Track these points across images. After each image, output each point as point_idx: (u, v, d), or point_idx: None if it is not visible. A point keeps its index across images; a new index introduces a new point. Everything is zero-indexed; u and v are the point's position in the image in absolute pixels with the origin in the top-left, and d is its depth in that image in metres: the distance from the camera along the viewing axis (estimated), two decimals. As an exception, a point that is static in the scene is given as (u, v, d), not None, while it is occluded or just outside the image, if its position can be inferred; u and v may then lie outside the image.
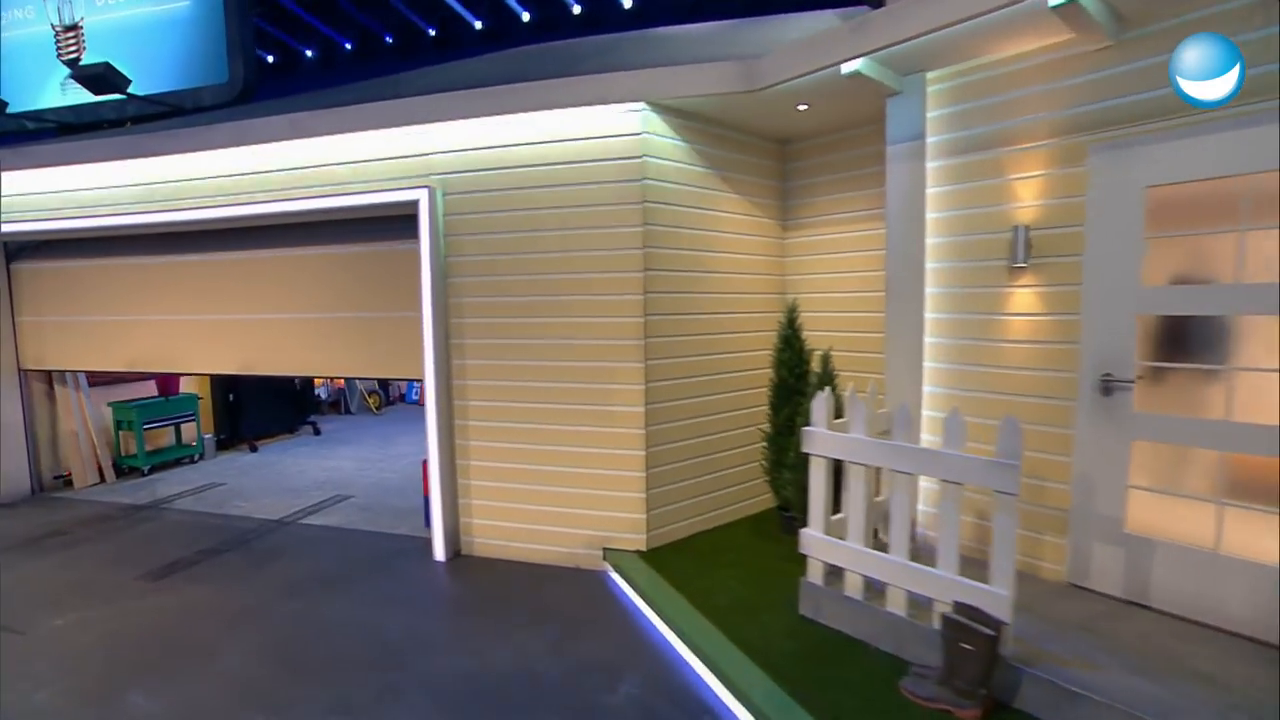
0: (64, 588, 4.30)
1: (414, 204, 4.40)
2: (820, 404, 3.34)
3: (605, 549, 4.33)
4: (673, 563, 4.12)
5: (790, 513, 4.43)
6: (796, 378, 4.32)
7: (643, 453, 4.22)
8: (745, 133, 4.62)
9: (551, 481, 4.39)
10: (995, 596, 2.66)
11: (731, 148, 4.54)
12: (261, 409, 8.31)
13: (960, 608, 2.71)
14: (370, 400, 10.48)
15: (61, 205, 5.56)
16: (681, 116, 4.23)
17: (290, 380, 8.78)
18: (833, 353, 4.25)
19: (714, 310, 4.55)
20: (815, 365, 4.29)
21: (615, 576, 4.21)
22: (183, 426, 7.56)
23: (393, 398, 11.18)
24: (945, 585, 2.83)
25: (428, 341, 4.47)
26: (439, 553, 4.59)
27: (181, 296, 5.57)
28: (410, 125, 4.43)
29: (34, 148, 5.54)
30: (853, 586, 3.24)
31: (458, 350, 4.53)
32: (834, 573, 3.33)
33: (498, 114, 4.25)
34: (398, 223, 4.67)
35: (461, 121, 4.35)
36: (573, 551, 4.40)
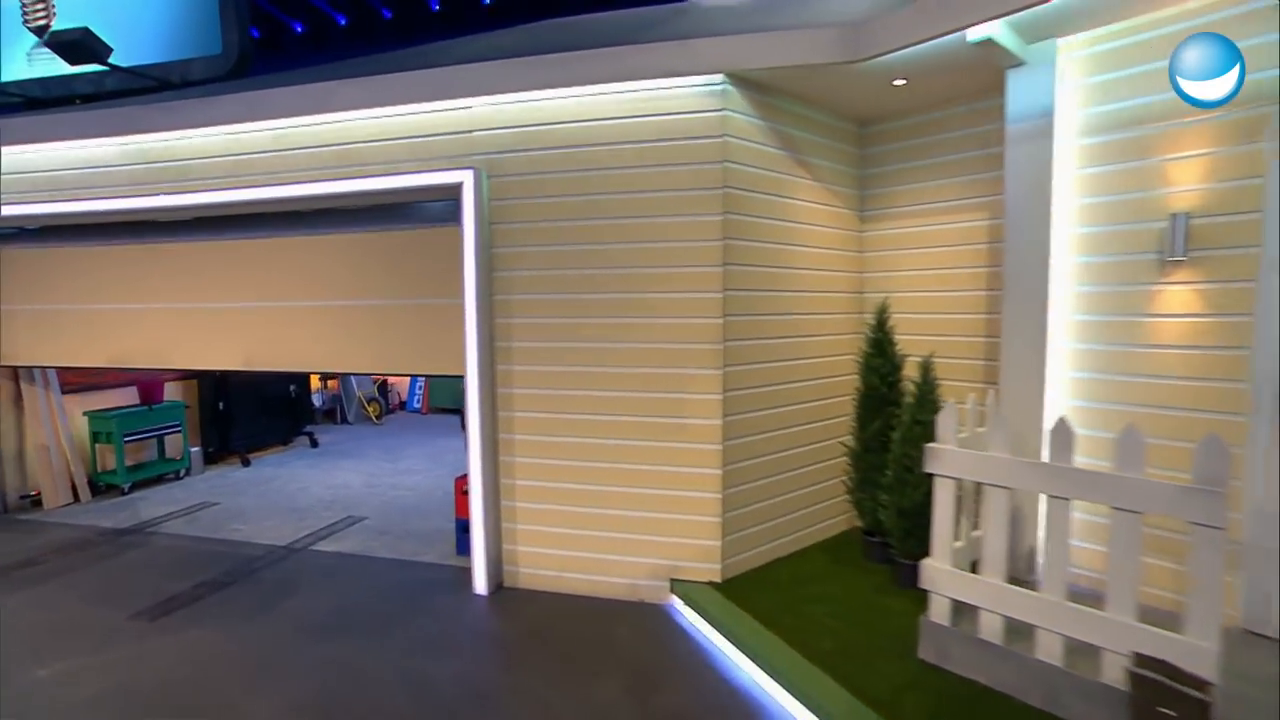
0: (45, 630, 3.86)
1: (457, 187, 4.04)
2: (948, 417, 3.01)
3: (672, 580, 3.99)
4: (753, 596, 3.77)
5: (878, 537, 4.10)
6: (888, 386, 4.00)
7: (719, 471, 3.88)
8: (825, 113, 4.31)
9: (610, 503, 4.04)
10: (1196, 650, 2.34)
11: (810, 129, 4.23)
12: (254, 419, 7.88)
13: (1149, 662, 2.39)
14: (370, 409, 10.06)
15: (37, 186, 5.10)
16: (762, 92, 3.91)
17: (285, 386, 8.36)
18: (919, 357, 3.93)
19: (792, 310, 4.23)
20: (908, 372, 3.98)
21: (686, 611, 3.87)
22: (166, 438, 7.09)
23: (392, 406, 10.75)
24: (1125, 633, 2.50)
25: (471, 345, 4.10)
26: (480, 585, 4.21)
27: (174, 283, 5.12)
28: (451, 99, 4.06)
29: (6, 121, 5.08)
30: (990, 629, 2.91)
31: (503, 354, 4.16)
32: (958, 610, 3.00)
33: (553, 86, 3.90)
34: (433, 208, 4.31)
35: (511, 96, 3.99)
36: (634, 583, 4.05)
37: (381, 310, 4.60)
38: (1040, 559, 3.27)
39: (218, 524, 5.62)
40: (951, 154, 4.15)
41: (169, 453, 7.13)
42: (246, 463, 7.54)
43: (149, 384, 6.99)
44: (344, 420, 10.01)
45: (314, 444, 8.47)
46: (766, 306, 4.07)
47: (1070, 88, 3.27)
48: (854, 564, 4.17)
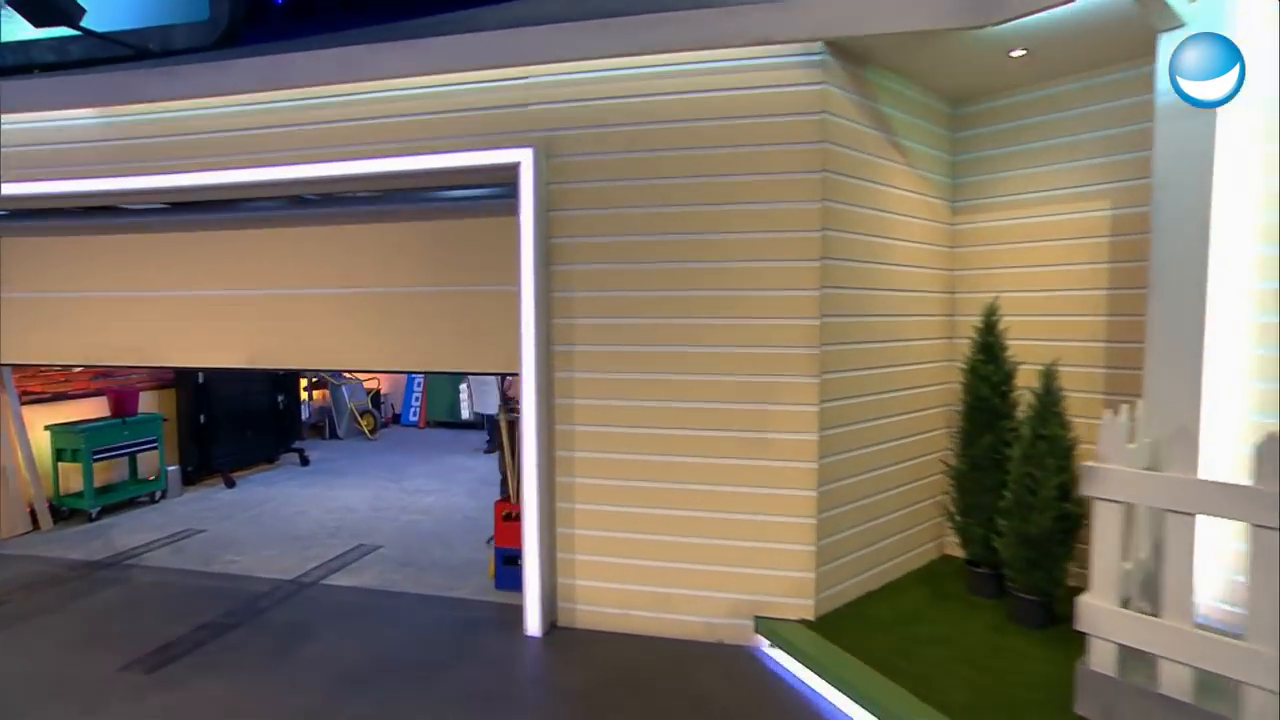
0: (21, 685, 3.39)
1: (513, 169, 3.69)
2: (1114, 432, 2.72)
3: (757, 617, 3.66)
4: (856, 636, 3.44)
5: (985, 568, 3.80)
6: (1000, 397, 3.71)
7: (813, 493, 3.56)
8: (920, 89, 4.04)
9: (684, 530, 3.72)
10: None
11: (905, 108, 3.95)
12: (238, 433, 7.41)
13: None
14: (363, 422, 9.60)
15: (8, 163, 4.63)
16: (859, 64, 3.62)
17: (272, 396, 7.91)
18: (1036, 365, 3.65)
19: (889, 312, 3.96)
20: (1021, 380, 3.70)
21: (776, 654, 3.53)
22: (139, 456, 6.57)
23: (384, 419, 10.30)
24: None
25: (527, 349, 3.75)
26: (533, 625, 3.83)
27: (164, 269, 4.67)
28: (506, 68, 3.72)
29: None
30: (1175, 683, 2.60)
31: (562, 360, 3.82)
32: (1124, 657, 2.70)
33: (623, 55, 3.58)
34: (476, 195, 4.01)
35: (574, 65, 3.67)
36: (711, 622, 3.71)
37: (418, 299, 4.23)
38: (1208, 596, 2.97)
39: (208, 554, 5.16)
40: (1064, 136, 3.89)
41: (142, 472, 6.62)
42: (231, 483, 7.07)
43: (122, 393, 6.49)
44: (333, 435, 9.56)
45: (304, 462, 8.02)
46: (866, 307, 3.78)
47: (1250, 51, 3.00)
48: (958, 598, 3.86)
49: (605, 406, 3.79)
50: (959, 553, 4.23)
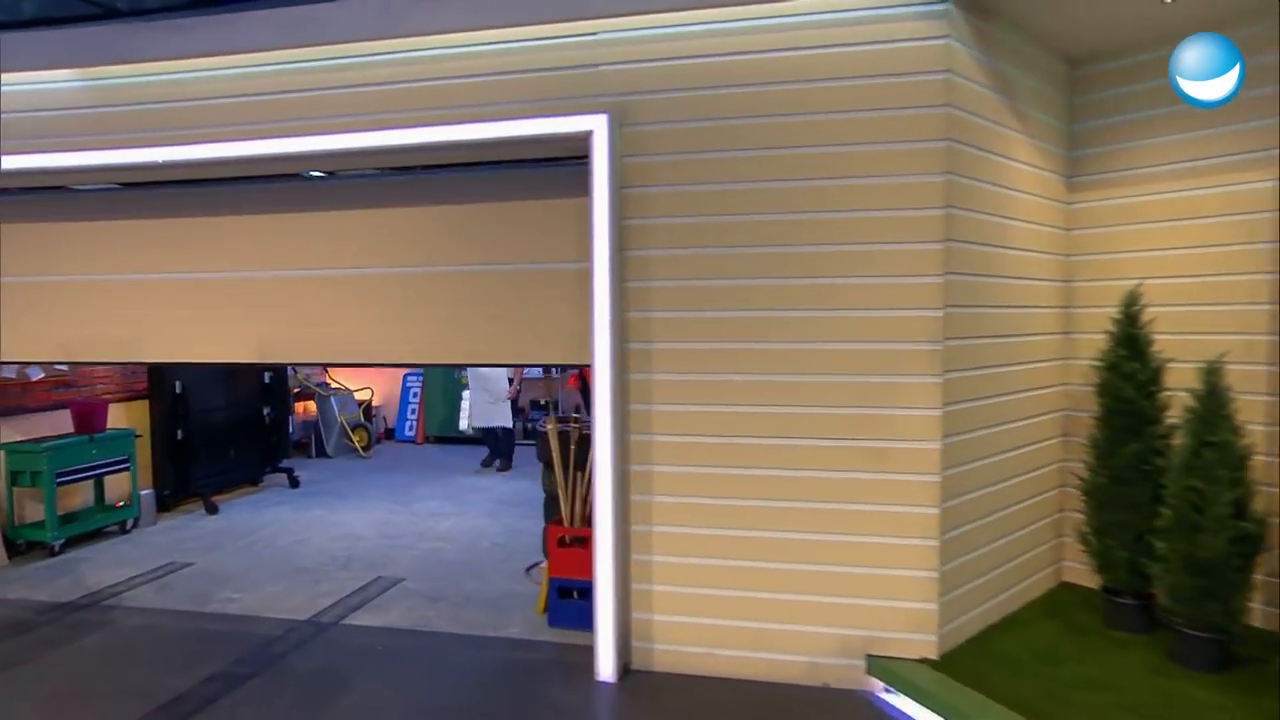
0: (11, 751, 3.21)
1: (583, 139, 3.58)
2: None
3: (869, 656, 3.55)
4: (991, 678, 3.33)
5: (1130, 597, 3.70)
6: (1147, 398, 3.61)
7: (936, 510, 3.46)
8: (1041, 48, 3.97)
9: (782, 555, 3.61)
10: None
11: (1025, 69, 3.88)
12: (220, 451, 7.27)
13: None
14: (355, 437, 9.44)
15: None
16: (982, 16, 3.54)
17: (257, 407, 7.76)
18: (1179, 363, 3.57)
19: (1010, 302, 3.88)
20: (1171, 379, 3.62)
21: (897, 700, 3.41)
22: (107, 479, 6.37)
23: (377, 435, 10.15)
24: None
25: (601, 345, 3.65)
26: (605, 669, 3.70)
27: (155, 248, 4.50)
28: (573, 20, 3.62)
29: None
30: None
31: (639, 359, 3.71)
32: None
33: (710, 6, 3.48)
34: (533, 172, 3.93)
35: (652, 19, 3.57)
36: (815, 662, 3.61)
37: (455, 281, 4.12)
38: None
39: (201, 592, 4.99)
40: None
41: (110, 497, 6.43)
42: (213, 509, 6.91)
43: (88, 406, 6.30)
44: (321, 452, 9.42)
45: (294, 483, 7.89)
46: (990, 296, 3.71)
47: None
48: (1096, 632, 3.76)
49: (689, 413, 3.68)
50: (1083, 579, 4.16)
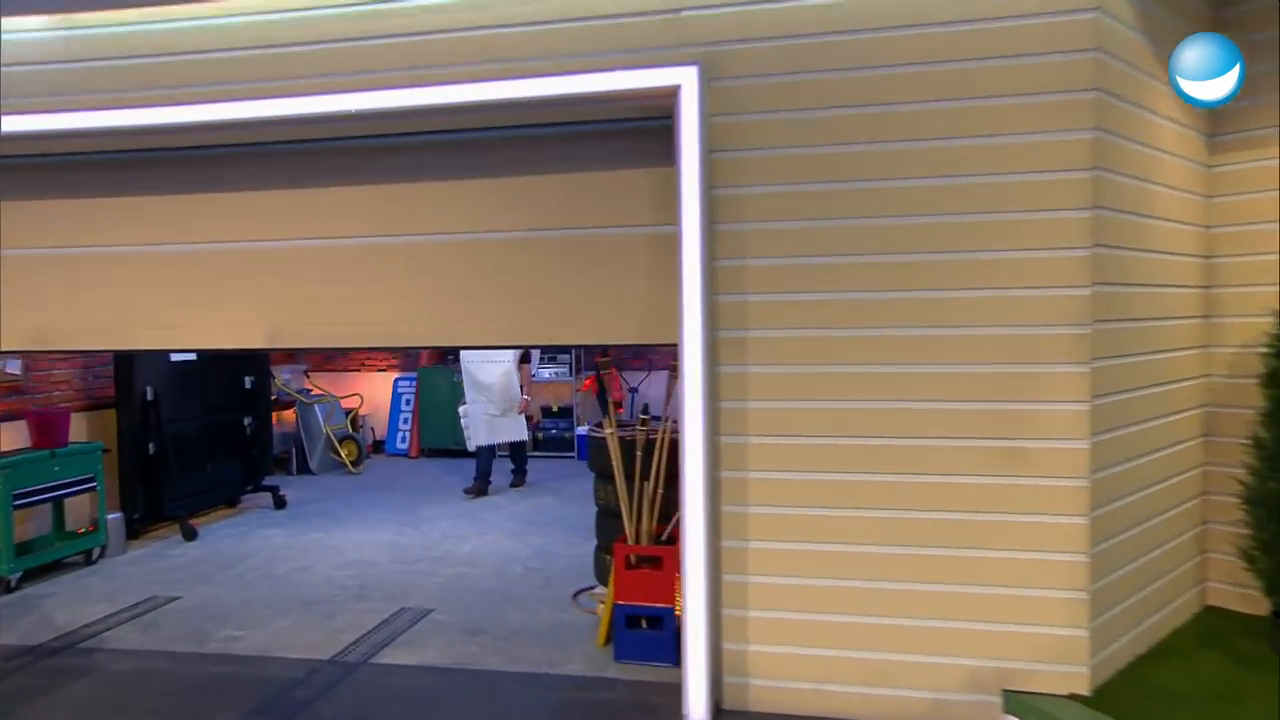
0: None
1: (669, 95, 3.50)
2: None
3: (1005, 692, 3.48)
4: (1157, 719, 3.25)
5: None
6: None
7: (1085, 519, 3.40)
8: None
9: (901, 574, 3.55)
10: None
11: (1168, 6, 3.81)
12: (197, 467, 7.15)
13: None
14: (343, 450, 9.33)
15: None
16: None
17: (236, 416, 7.63)
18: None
19: (1157, 281, 3.85)
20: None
21: (1044, 744, 3.33)
22: (69, 502, 6.21)
23: (365, 447, 10.06)
24: None
25: (690, 335, 3.58)
26: (696, 709, 3.61)
27: (141, 214, 4.37)
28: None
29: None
30: None
31: (731, 350, 3.67)
32: None
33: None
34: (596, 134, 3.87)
35: (747, -46, 3.50)
36: (940, 698, 3.54)
37: (505, 249, 4.03)
38: None
39: (196, 630, 4.88)
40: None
41: (72, 522, 6.29)
42: (191, 534, 6.80)
43: (48, 416, 6.18)
44: (304, 468, 9.35)
45: (280, 504, 7.80)
46: (1139, 273, 3.67)
47: None
48: (1269, 665, 3.67)
49: (789, 410, 3.62)
50: (1231, 602, 4.13)
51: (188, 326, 4.41)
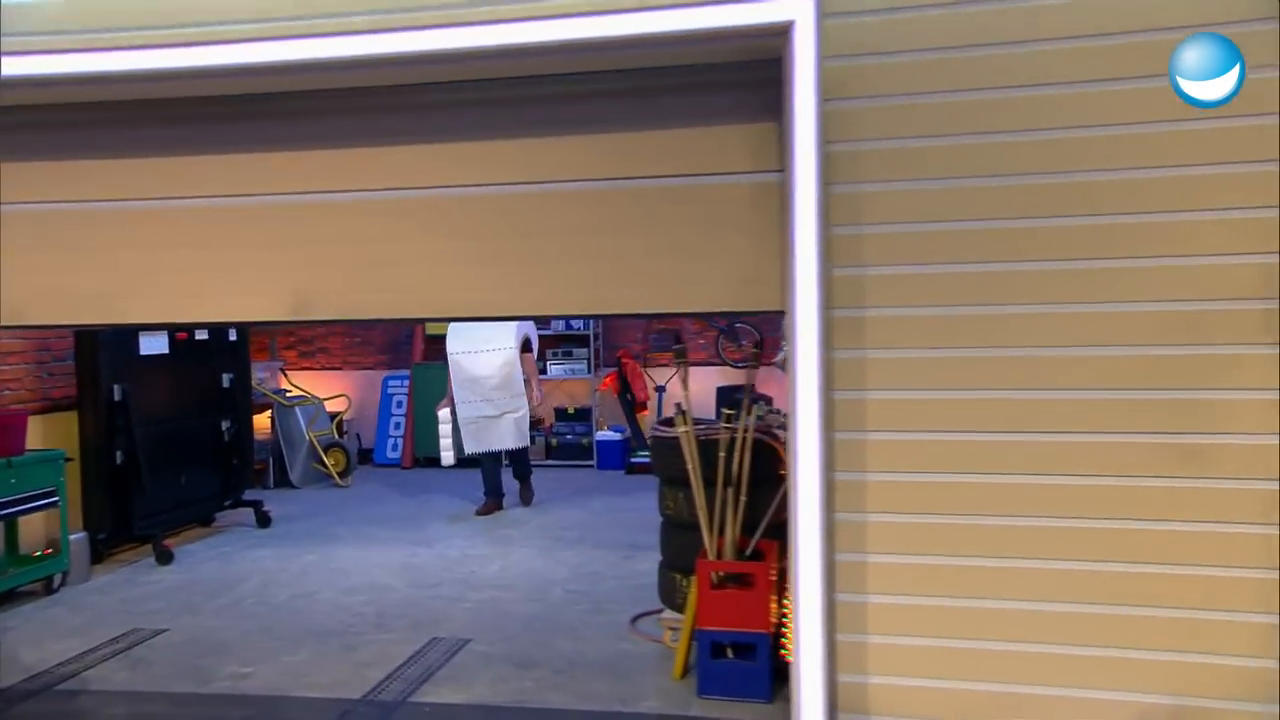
0: None
1: (779, 34, 3.37)
2: None
3: (1186, 730, 3.39)
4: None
5: None
6: None
7: (1278, 530, 3.30)
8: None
9: (1051, 593, 3.45)
10: None
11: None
12: (171, 477, 7.08)
13: None
14: (330, 460, 9.26)
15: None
16: None
17: (214, 419, 7.53)
18: None
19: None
20: None
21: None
22: (22, 520, 6.07)
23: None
24: None
25: (803, 314, 3.46)
26: (810, 754, 3.48)
27: (142, 161, 4.20)
28: None
29: None
30: None
31: (847, 332, 3.57)
32: None
33: None
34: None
35: None
36: (1108, 736, 3.45)
37: (575, 200, 3.92)
38: None
39: (194, 667, 4.79)
40: None
41: (28, 544, 6.15)
42: (166, 556, 6.71)
43: (4, 420, 6.05)
44: (285, 481, 9.29)
45: (264, 521, 7.74)
46: None
47: None
48: None
49: (916, 401, 3.53)
50: None
51: (197, 296, 4.21)
